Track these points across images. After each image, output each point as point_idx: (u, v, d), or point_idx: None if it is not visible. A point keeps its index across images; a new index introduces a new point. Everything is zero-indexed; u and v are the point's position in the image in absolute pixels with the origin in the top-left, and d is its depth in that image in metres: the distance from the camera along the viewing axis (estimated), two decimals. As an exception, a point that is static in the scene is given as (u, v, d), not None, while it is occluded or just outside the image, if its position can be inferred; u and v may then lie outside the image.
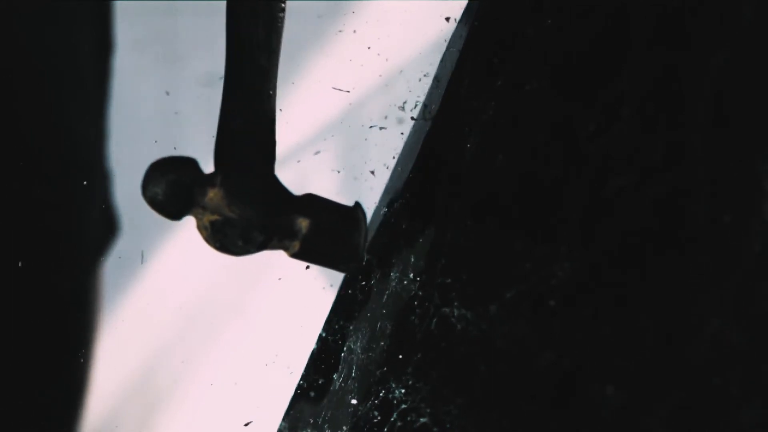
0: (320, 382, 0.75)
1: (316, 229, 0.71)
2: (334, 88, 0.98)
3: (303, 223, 0.71)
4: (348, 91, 0.96)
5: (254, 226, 0.70)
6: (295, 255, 0.72)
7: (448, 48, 0.76)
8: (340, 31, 1.31)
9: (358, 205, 0.74)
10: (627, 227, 0.59)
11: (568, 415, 0.59)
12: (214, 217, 0.69)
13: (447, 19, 0.78)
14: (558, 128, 0.63)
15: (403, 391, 0.65)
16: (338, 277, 0.79)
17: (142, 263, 1.28)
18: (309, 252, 0.72)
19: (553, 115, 0.64)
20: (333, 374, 0.73)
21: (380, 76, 1.19)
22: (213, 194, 0.69)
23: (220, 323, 1.33)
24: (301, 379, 0.78)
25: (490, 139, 0.67)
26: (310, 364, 0.77)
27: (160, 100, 1.32)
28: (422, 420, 0.63)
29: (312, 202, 0.72)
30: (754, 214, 0.56)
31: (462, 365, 0.63)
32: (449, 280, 0.65)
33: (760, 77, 0.57)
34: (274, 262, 1.30)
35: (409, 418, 0.64)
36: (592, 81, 0.63)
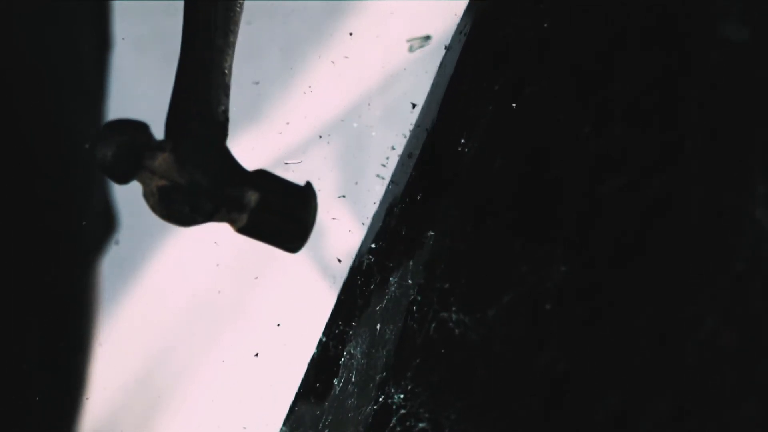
0: (320, 386, 0.75)
1: (266, 204, 0.71)
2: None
3: (253, 197, 0.70)
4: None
5: (203, 193, 0.69)
6: (242, 229, 0.72)
7: (447, 51, 0.76)
8: (332, 33, 1.31)
9: (309, 184, 0.74)
10: (622, 229, 0.59)
11: (566, 417, 0.59)
12: (163, 182, 0.69)
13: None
14: (555, 130, 0.63)
15: (402, 396, 0.65)
16: (339, 280, 0.80)
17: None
18: (256, 227, 0.72)
19: (550, 118, 0.64)
20: (333, 379, 0.73)
21: (380, 78, 1.19)
22: (162, 159, 0.69)
23: (220, 326, 1.33)
24: (301, 384, 0.78)
25: (489, 143, 0.67)
26: (311, 369, 0.77)
27: (159, 99, 1.32)
28: (421, 425, 0.63)
29: (263, 178, 0.72)
30: (747, 215, 0.56)
31: (461, 369, 0.63)
32: (447, 285, 0.65)
33: (755, 77, 0.57)
34: (275, 265, 1.30)
35: (408, 423, 0.64)
36: (590, 82, 0.63)
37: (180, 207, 0.70)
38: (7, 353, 1.23)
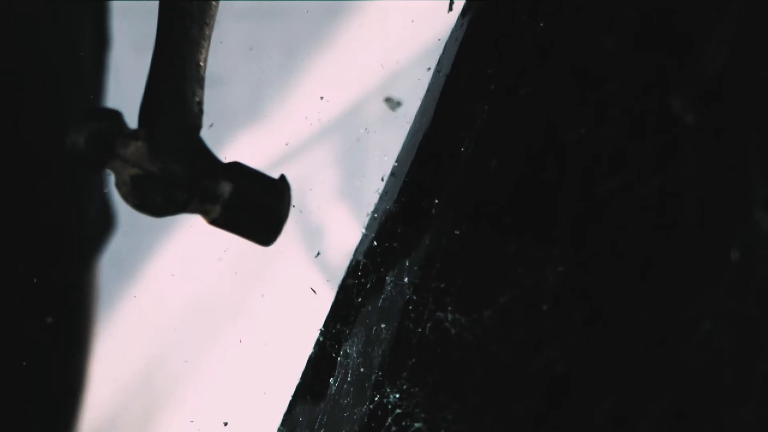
0: (317, 386, 0.75)
1: (239, 195, 0.70)
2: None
3: (226, 188, 0.70)
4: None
5: (176, 183, 0.69)
6: (215, 221, 0.71)
7: (443, 50, 0.76)
8: (332, 34, 1.31)
9: (283, 177, 0.73)
10: (619, 230, 0.59)
11: (564, 418, 0.59)
12: (135, 171, 0.69)
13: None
14: (552, 130, 0.63)
15: (398, 395, 0.65)
16: (336, 280, 0.80)
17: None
18: (229, 219, 0.71)
19: (546, 118, 0.64)
20: (329, 378, 0.74)
21: (379, 78, 1.19)
22: (135, 147, 0.69)
23: (219, 326, 1.33)
24: (298, 384, 0.78)
25: (485, 143, 0.67)
26: (308, 368, 0.77)
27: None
28: (417, 425, 0.63)
29: (237, 169, 0.71)
30: (744, 215, 0.56)
31: (457, 370, 0.63)
32: (443, 285, 0.65)
33: (751, 77, 0.57)
34: (272, 266, 1.31)
35: (404, 423, 0.64)
36: (587, 82, 0.63)
37: (152, 196, 0.69)
38: (7, 353, 1.23)
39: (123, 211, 1.28)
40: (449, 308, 0.64)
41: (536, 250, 0.61)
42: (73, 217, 1.26)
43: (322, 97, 1.29)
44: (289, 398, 0.79)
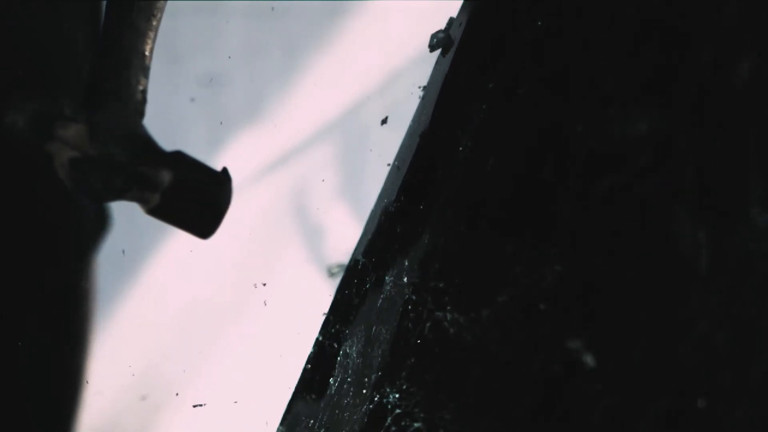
0: (317, 386, 0.75)
1: (179, 185, 0.69)
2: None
3: (166, 176, 0.69)
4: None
5: (115, 168, 0.68)
6: (153, 211, 0.70)
7: (441, 50, 0.76)
8: (332, 34, 1.31)
9: (225, 169, 0.72)
10: (616, 229, 0.59)
11: (562, 418, 0.59)
12: (74, 154, 0.68)
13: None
14: (549, 129, 0.63)
15: (397, 395, 0.65)
16: (336, 279, 0.80)
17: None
18: (168, 208, 0.70)
19: (543, 117, 0.64)
20: (329, 378, 0.74)
21: (379, 78, 1.20)
22: (76, 130, 0.68)
23: (218, 327, 1.33)
24: (298, 383, 0.78)
25: (483, 142, 0.67)
26: (307, 368, 0.77)
27: (158, 99, 1.32)
28: (416, 425, 0.63)
29: (179, 159, 0.70)
30: (741, 216, 0.56)
31: (455, 370, 0.63)
32: (442, 285, 0.65)
33: (749, 76, 0.57)
34: (271, 266, 1.31)
35: (403, 423, 0.64)
36: (585, 81, 0.63)
37: (91, 180, 0.68)
38: (7, 353, 1.23)
39: (121, 210, 1.28)
40: (448, 308, 0.64)
41: (534, 249, 0.61)
42: (71, 217, 1.26)
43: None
44: (289, 398, 0.79)
